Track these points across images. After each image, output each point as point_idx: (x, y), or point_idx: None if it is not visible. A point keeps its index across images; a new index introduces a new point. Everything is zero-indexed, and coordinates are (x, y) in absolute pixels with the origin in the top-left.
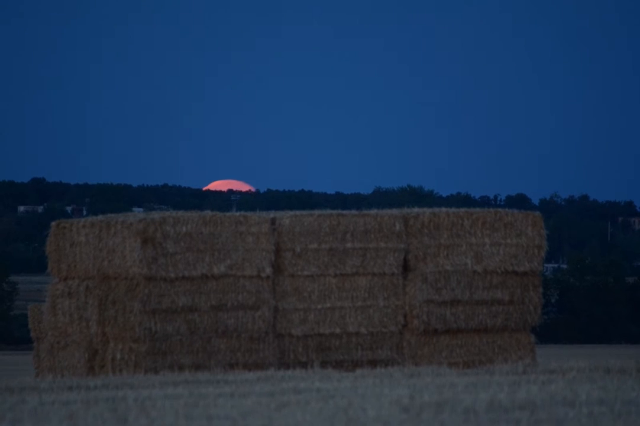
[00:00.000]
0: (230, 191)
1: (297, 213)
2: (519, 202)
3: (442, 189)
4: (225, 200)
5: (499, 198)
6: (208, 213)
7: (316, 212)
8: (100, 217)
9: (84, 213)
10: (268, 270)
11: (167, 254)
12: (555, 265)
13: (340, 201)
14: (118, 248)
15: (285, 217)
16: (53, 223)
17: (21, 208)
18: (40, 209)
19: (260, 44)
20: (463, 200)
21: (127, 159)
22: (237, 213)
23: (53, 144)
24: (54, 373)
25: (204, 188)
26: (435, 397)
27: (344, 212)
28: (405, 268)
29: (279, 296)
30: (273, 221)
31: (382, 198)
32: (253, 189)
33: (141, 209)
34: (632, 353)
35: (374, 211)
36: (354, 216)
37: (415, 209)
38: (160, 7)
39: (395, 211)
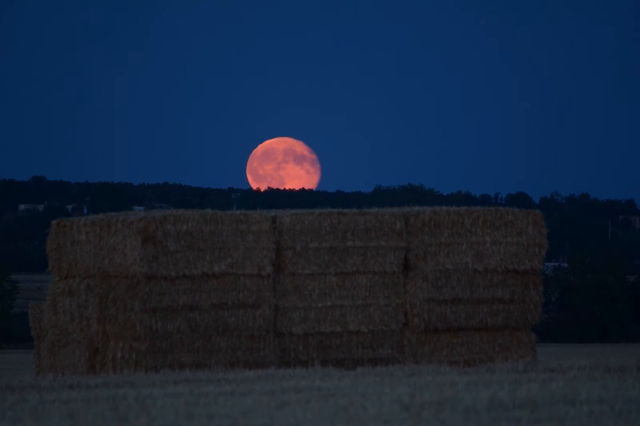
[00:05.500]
0: (231, 190)
1: (298, 211)
2: (519, 200)
3: (443, 188)
4: (226, 198)
5: (499, 197)
6: (209, 212)
7: (317, 210)
8: (100, 215)
9: (85, 211)
10: (269, 268)
11: (167, 252)
12: (556, 264)
13: (341, 199)
14: (119, 246)
15: (286, 215)
16: (54, 222)
17: (22, 206)
18: (40, 207)
19: (261, 42)
20: (464, 198)
21: (127, 157)
22: (238, 212)
23: (54, 143)
24: (54, 372)
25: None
26: (436, 396)
27: (345, 210)
28: (406, 266)
29: (280, 294)
30: (274, 220)
31: (383, 197)
32: (309, 150)
33: (142, 208)
34: (633, 352)
35: (374, 210)
36: (354, 214)
37: (416, 208)
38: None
39: (395, 210)
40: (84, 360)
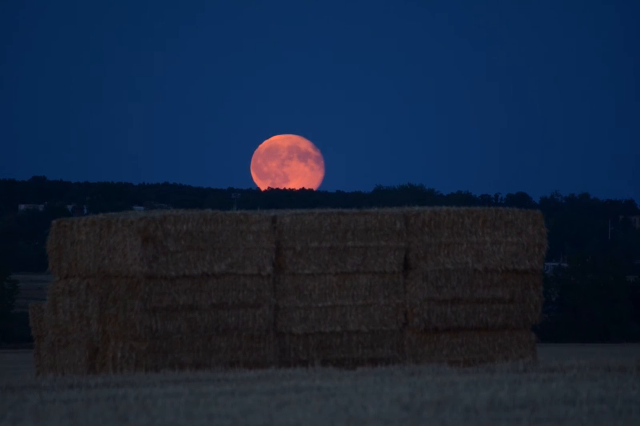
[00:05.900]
0: (231, 190)
1: (298, 211)
2: (519, 200)
3: (443, 188)
4: (226, 198)
5: (499, 197)
6: (209, 211)
7: (317, 210)
8: (100, 215)
9: (85, 211)
10: (269, 268)
11: (167, 252)
12: (556, 263)
13: (341, 199)
14: (119, 246)
15: (286, 215)
16: (54, 221)
17: (22, 206)
18: (40, 207)
19: (264, 41)
20: (464, 198)
21: (127, 157)
22: (238, 212)
23: (54, 143)
24: (54, 372)
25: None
26: (436, 395)
27: (345, 210)
28: (406, 266)
29: (280, 294)
30: (274, 220)
31: (383, 197)
32: (313, 147)
33: (142, 208)
34: (633, 352)
35: (374, 210)
36: (354, 214)
37: (416, 208)
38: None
39: (396, 210)
40: (84, 360)
